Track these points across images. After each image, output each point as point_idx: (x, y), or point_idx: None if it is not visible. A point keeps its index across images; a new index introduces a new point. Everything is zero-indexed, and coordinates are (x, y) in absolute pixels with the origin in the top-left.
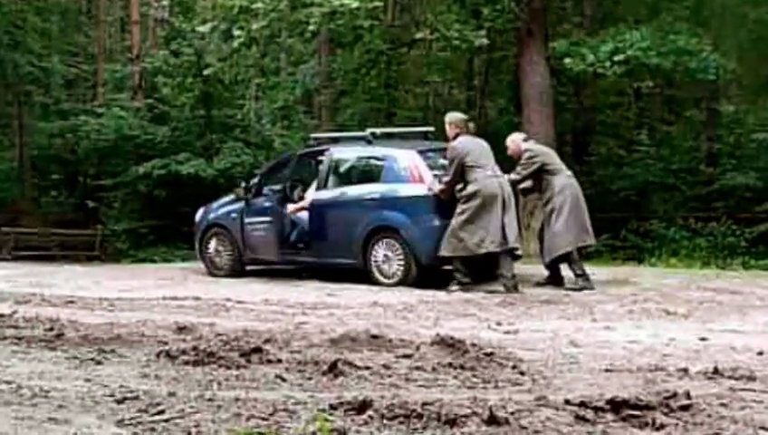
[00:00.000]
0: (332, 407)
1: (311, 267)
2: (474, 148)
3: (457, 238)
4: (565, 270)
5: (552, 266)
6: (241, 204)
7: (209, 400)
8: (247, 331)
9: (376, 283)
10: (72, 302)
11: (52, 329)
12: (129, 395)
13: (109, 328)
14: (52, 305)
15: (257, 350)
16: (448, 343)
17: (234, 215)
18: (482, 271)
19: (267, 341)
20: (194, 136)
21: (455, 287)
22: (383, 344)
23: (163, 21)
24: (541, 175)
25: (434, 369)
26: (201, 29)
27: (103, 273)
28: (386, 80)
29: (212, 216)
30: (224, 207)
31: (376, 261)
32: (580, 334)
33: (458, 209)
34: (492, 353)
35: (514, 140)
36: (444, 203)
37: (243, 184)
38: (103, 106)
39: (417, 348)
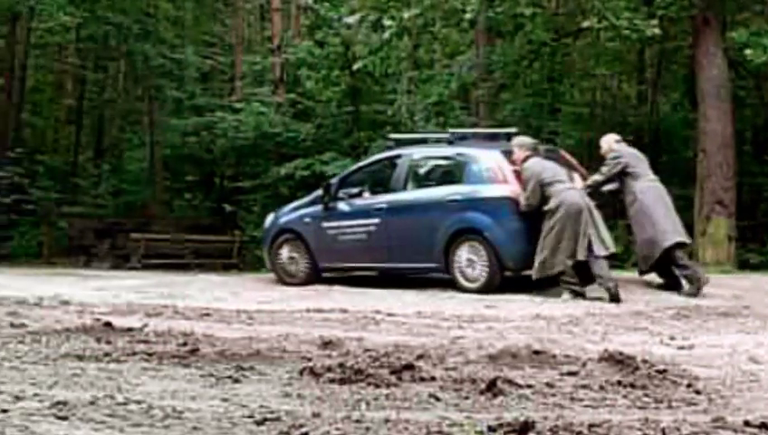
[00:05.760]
0: (491, 428)
1: (389, 272)
2: (547, 166)
3: (550, 257)
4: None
5: (663, 271)
6: (316, 207)
7: (357, 421)
8: (398, 346)
9: (459, 288)
10: (207, 314)
11: (185, 344)
12: (269, 416)
13: (247, 343)
14: (186, 318)
15: (409, 367)
16: (617, 360)
17: (308, 219)
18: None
19: (420, 357)
20: (340, 134)
21: (567, 296)
22: (546, 361)
23: (307, 8)
24: (622, 178)
25: (601, 387)
26: (348, 20)
27: (241, 283)
28: (549, 73)
29: (283, 220)
30: (296, 211)
31: (459, 265)
32: (761, 350)
33: (545, 227)
34: (665, 371)
35: (607, 141)
36: None
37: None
38: (241, 101)
39: (584, 365)
